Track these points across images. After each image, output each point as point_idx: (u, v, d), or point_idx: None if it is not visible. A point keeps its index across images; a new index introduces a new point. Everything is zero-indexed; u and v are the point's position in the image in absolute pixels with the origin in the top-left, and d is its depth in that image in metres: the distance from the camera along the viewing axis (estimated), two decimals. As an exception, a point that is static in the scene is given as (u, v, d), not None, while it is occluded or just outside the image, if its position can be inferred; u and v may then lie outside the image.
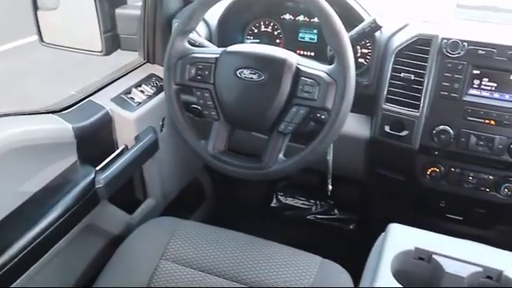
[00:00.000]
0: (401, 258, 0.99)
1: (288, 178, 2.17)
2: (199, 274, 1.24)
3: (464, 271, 0.94)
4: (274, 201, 2.20)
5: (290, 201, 2.19)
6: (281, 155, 1.18)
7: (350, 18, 1.34)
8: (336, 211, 2.12)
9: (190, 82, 1.22)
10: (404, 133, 1.32)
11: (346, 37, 1.09)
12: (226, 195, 2.16)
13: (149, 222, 1.41)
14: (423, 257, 0.98)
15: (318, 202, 2.15)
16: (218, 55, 1.20)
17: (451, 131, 1.28)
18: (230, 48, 1.20)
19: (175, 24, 1.54)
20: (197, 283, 1.23)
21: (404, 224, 1.04)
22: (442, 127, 1.28)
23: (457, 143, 1.28)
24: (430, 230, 1.03)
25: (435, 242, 1.01)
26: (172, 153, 1.67)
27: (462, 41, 1.25)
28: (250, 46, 1.22)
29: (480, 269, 0.94)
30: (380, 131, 1.35)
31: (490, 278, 0.95)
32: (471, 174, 1.33)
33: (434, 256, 0.97)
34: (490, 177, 1.31)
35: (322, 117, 1.23)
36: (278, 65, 1.14)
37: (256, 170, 1.19)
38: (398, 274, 0.97)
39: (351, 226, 2.07)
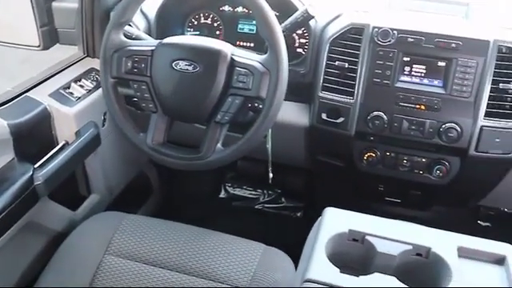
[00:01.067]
0: (335, 240, 1.02)
1: (235, 168, 2.19)
2: (143, 266, 1.25)
3: (395, 250, 0.98)
4: (223, 192, 2.22)
5: (238, 191, 2.21)
6: (219, 145, 1.19)
7: (285, 8, 1.36)
8: (283, 200, 2.15)
9: (126, 74, 1.22)
10: (340, 120, 1.36)
11: (277, 27, 1.12)
12: (174, 188, 2.15)
13: (92, 218, 1.40)
14: (357, 238, 1.02)
15: (265, 192, 2.18)
16: (153, 47, 1.20)
17: (385, 117, 1.32)
18: (166, 40, 1.21)
19: (113, 16, 1.53)
20: (141, 276, 1.23)
21: (346, 209, 1.08)
22: (375, 113, 1.33)
23: (390, 128, 1.33)
24: (371, 214, 1.07)
25: (368, 223, 1.05)
26: (115, 147, 1.66)
27: (392, 29, 1.30)
28: (186, 38, 1.22)
29: (410, 247, 0.99)
30: (317, 119, 1.39)
31: (419, 255, 0.99)
32: (405, 158, 1.38)
33: (367, 237, 1.01)
34: (423, 159, 1.37)
35: (260, 106, 1.25)
36: (213, 56, 1.15)
37: (195, 161, 1.20)
38: (333, 256, 1.01)
39: (299, 214, 2.11)
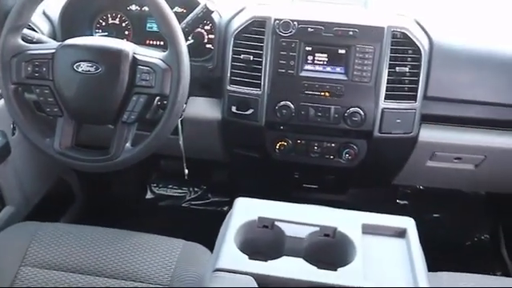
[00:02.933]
0: (245, 228, 1.05)
1: (159, 168, 2.18)
2: (62, 274, 1.22)
3: (303, 232, 1.02)
4: (149, 193, 2.21)
5: (163, 191, 2.21)
6: (128, 144, 1.19)
7: (190, 4, 1.38)
8: (210, 195, 2.17)
9: (27, 79, 1.19)
10: (250, 111, 1.38)
11: (175, 24, 1.13)
12: (98, 192, 2.12)
13: (5, 230, 1.36)
14: (267, 224, 1.05)
15: (191, 189, 2.19)
16: (54, 50, 1.18)
17: (292, 106, 1.36)
18: (66, 42, 1.19)
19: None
20: (60, 284, 1.21)
21: (267, 198, 1.10)
22: (283, 103, 1.36)
23: (298, 116, 1.37)
24: (292, 202, 1.10)
25: (278, 210, 1.08)
26: (29, 155, 1.62)
27: (293, 20, 1.34)
28: (86, 39, 1.21)
29: (317, 228, 1.03)
30: (228, 112, 1.41)
31: (327, 235, 1.03)
32: (316, 144, 1.43)
33: (276, 222, 1.04)
34: (332, 144, 1.42)
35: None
36: (114, 56, 1.14)
37: (104, 162, 1.20)
38: (243, 244, 1.03)
39: (225, 208, 2.13)
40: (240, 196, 1.13)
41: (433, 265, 1.27)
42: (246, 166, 1.63)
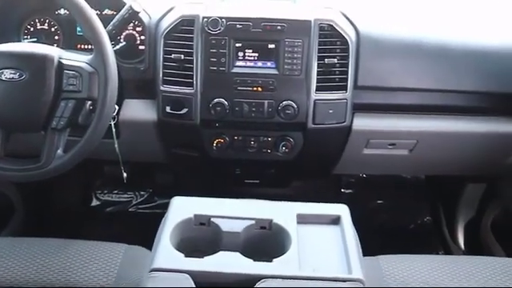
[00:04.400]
0: (182, 227, 1.05)
1: (103, 174, 2.15)
2: None
3: (239, 227, 1.03)
4: (94, 200, 2.18)
5: (109, 197, 2.18)
6: (59, 151, 1.17)
7: (116, 5, 1.36)
8: (156, 198, 2.15)
9: None
10: (184, 110, 1.38)
11: (98, 26, 1.12)
12: (40, 203, 2.07)
13: None
14: (203, 222, 1.05)
15: (137, 193, 2.17)
16: None
17: (226, 102, 1.37)
18: None
19: None
20: None
21: (212, 197, 1.10)
22: (216, 100, 1.37)
23: (232, 113, 1.38)
24: (234, 198, 1.11)
25: (214, 206, 1.09)
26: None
27: (221, 18, 1.34)
28: (8, 46, 1.18)
29: (253, 222, 1.04)
30: (163, 113, 1.40)
31: (263, 227, 1.04)
32: (252, 139, 1.44)
33: (213, 219, 1.04)
34: (269, 138, 1.44)
35: None
36: (39, 61, 1.12)
37: (35, 171, 1.17)
38: (181, 243, 1.03)
39: (172, 210, 2.12)
40: (184, 196, 1.13)
41: (378, 249, 1.31)
42: (186, 165, 1.63)
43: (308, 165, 1.53)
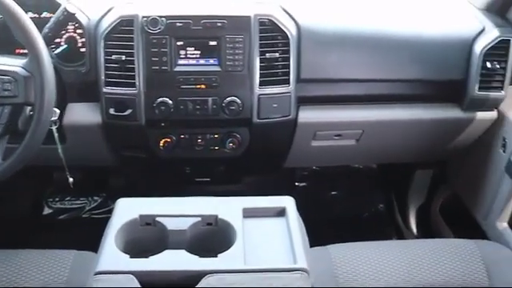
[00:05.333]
0: (127, 228, 1.04)
1: (52, 181, 2.10)
2: None
3: (185, 224, 1.03)
4: (46, 208, 2.13)
5: (61, 204, 2.13)
6: None
7: (52, 7, 1.34)
8: (110, 202, 2.12)
9: None
10: (128, 112, 1.37)
11: (31, 28, 1.09)
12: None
13: None
14: (149, 222, 1.05)
15: (90, 199, 2.14)
16: None
17: (170, 102, 1.36)
18: None
19: None
20: None
21: (166, 196, 1.10)
22: (160, 99, 1.36)
23: (177, 111, 1.38)
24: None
25: (159, 205, 1.08)
26: None
27: (161, 16, 1.33)
28: None
29: (199, 219, 1.04)
30: (107, 115, 1.38)
31: (209, 224, 1.05)
32: (199, 137, 1.44)
33: (158, 218, 1.04)
34: (215, 135, 1.45)
35: None
36: None
37: None
38: (127, 244, 1.02)
39: (127, 213, 2.10)
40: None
41: (332, 240, 1.33)
42: (136, 167, 1.61)
43: (257, 160, 1.54)
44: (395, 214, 2.13)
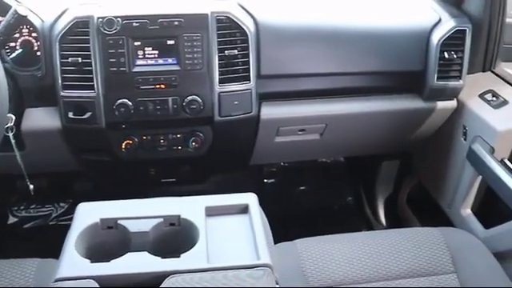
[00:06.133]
0: (88, 232, 1.02)
1: (16, 190, 2.06)
2: None
3: (147, 226, 1.02)
4: (10, 217, 2.08)
5: (27, 212, 2.09)
6: None
7: (3, 11, 1.31)
8: (77, 208, 2.08)
9: None
10: (87, 115, 1.34)
11: None
12: None
13: None
14: (111, 225, 1.03)
15: (56, 205, 2.10)
16: None
17: (129, 103, 1.35)
18: None
19: None
20: None
21: (131, 198, 1.08)
22: (120, 101, 1.34)
23: (138, 113, 1.36)
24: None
25: (121, 208, 1.07)
26: None
27: (117, 17, 1.31)
28: None
29: (161, 219, 1.03)
30: (66, 119, 1.36)
31: (172, 224, 1.04)
32: (161, 138, 1.43)
33: (120, 221, 1.02)
34: (178, 135, 1.43)
35: None
36: None
37: None
38: (90, 249, 1.01)
39: (95, 218, 2.07)
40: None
41: (303, 234, 1.33)
42: (100, 171, 1.59)
43: (222, 158, 1.53)
44: (364, 205, 2.15)
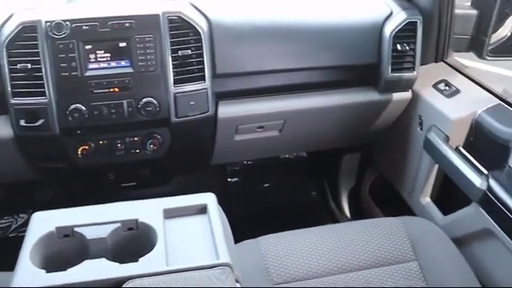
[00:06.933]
0: (44, 242, 1.00)
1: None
2: None
3: (104, 232, 1.00)
4: (-33, 231, 2.02)
5: (-16, 225, 2.03)
6: None
7: None
8: (37, 218, 2.04)
9: None
10: (40, 122, 1.31)
11: None
12: None
13: None
14: (67, 233, 1.01)
15: (15, 217, 2.04)
16: None
17: (83, 108, 1.32)
18: None
19: None
20: None
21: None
22: (73, 106, 1.31)
23: (92, 117, 1.34)
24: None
25: (77, 215, 1.04)
26: None
27: (65, 20, 1.28)
28: None
29: (118, 224, 1.01)
30: (18, 127, 1.32)
31: (130, 229, 1.02)
32: (118, 141, 1.41)
33: (76, 229, 1.00)
34: (135, 138, 1.42)
35: None
36: None
37: None
38: (46, 259, 0.98)
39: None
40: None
41: (268, 231, 1.33)
42: (58, 178, 1.56)
43: (182, 159, 1.52)
44: (328, 199, 2.17)
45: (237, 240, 1.25)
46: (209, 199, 1.10)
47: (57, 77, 1.30)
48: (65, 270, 0.92)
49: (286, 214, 2.08)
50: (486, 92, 1.48)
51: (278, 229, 1.35)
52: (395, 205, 1.81)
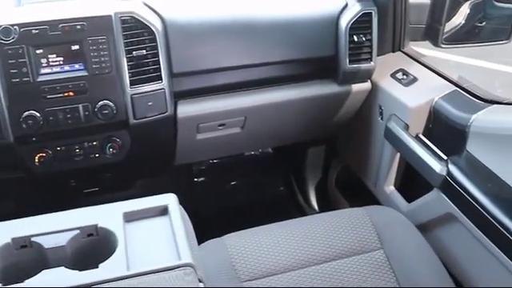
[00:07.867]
0: (1, 254, 0.97)
1: None
2: None
3: (64, 240, 0.97)
4: None
5: None
6: None
7: None
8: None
9: None
10: None
11: None
12: None
13: None
14: (24, 244, 0.98)
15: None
16: None
17: (38, 114, 1.29)
18: None
19: None
20: None
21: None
22: (27, 113, 1.28)
23: (47, 123, 1.30)
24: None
25: (35, 224, 1.01)
26: None
27: (13, 25, 1.25)
28: None
29: (77, 231, 0.99)
30: None
31: (90, 235, 1.00)
32: (77, 147, 1.38)
33: (33, 238, 0.98)
34: (94, 143, 1.39)
35: None
36: None
37: None
38: (2, 272, 0.95)
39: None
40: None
41: (237, 229, 1.33)
42: (16, 188, 1.52)
43: (143, 161, 1.50)
44: (296, 193, 2.18)
45: (206, 240, 1.25)
46: (170, 200, 1.08)
47: (7, 83, 1.26)
48: (22, 281, 0.90)
49: (254, 210, 2.08)
50: (443, 79, 1.50)
51: (247, 226, 1.34)
52: (362, 195, 1.82)
